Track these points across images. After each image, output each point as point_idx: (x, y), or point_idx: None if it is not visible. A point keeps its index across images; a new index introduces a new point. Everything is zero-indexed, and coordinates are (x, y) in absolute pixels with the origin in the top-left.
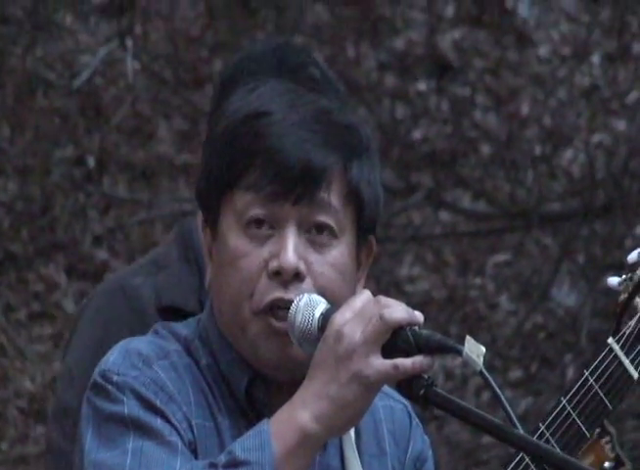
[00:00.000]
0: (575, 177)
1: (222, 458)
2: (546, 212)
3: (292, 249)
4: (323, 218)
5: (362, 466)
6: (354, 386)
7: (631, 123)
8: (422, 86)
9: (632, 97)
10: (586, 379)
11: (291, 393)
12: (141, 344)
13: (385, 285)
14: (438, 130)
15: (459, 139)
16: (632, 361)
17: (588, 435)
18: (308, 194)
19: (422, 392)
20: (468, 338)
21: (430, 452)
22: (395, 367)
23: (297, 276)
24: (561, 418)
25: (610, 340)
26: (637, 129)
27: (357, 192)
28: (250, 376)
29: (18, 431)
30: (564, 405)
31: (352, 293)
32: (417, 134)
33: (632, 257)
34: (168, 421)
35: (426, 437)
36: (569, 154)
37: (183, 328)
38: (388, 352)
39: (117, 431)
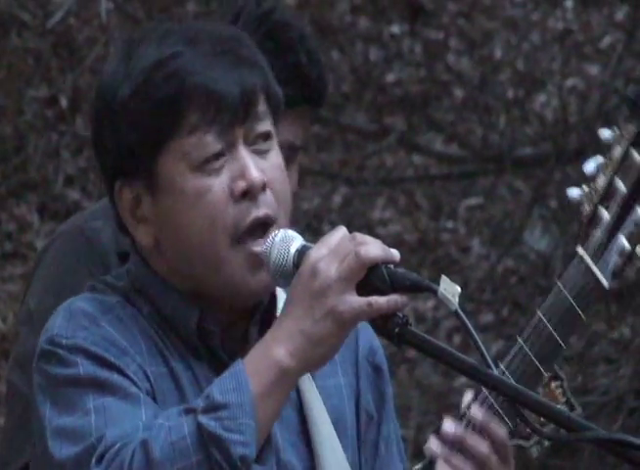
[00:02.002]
0: (548, 122)
1: (200, 403)
2: (519, 157)
3: (252, 164)
4: (265, 127)
5: (313, 379)
6: (328, 322)
7: (604, 68)
8: (395, 29)
9: (605, 41)
10: (559, 288)
11: (242, 320)
12: (83, 302)
13: (357, 228)
14: (411, 73)
15: (432, 82)
16: (600, 270)
17: (564, 346)
18: (250, 111)
19: (396, 330)
20: (443, 277)
21: (378, 342)
22: (370, 305)
23: (263, 188)
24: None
25: (579, 249)
26: (610, 74)
27: (274, 96)
28: (199, 311)
29: None
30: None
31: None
32: (390, 77)
33: (589, 168)
34: (125, 374)
35: (372, 330)
36: (542, 98)
37: (117, 280)
38: (362, 289)
39: (76, 393)
